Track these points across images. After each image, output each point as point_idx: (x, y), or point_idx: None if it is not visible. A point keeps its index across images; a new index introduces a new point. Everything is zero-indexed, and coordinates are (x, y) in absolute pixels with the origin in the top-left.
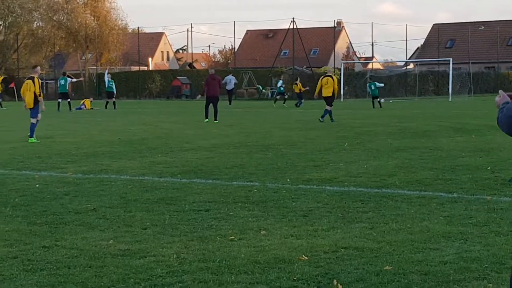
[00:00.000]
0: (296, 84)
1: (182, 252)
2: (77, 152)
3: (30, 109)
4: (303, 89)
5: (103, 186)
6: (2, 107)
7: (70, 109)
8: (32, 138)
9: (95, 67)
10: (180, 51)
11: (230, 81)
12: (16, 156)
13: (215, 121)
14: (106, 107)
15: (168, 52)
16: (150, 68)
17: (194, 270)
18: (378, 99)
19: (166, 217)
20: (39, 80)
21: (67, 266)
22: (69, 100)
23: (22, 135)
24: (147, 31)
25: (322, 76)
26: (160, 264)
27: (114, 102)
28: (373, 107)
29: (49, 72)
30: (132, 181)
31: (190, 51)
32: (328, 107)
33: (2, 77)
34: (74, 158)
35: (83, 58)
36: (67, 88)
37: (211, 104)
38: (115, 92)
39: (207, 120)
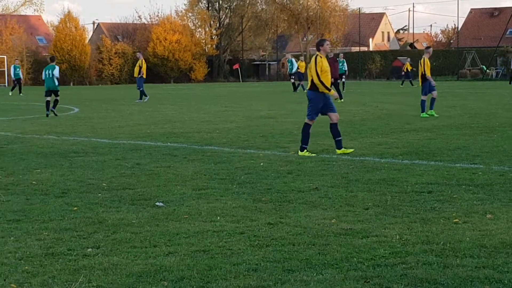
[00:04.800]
0: None
1: (405, 233)
2: (299, 132)
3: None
4: None
5: (324, 166)
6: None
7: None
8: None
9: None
10: (401, 31)
11: (293, 63)
12: (241, 135)
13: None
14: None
15: (388, 32)
16: (371, 49)
17: (418, 252)
18: None
19: (388, 198)
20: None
21: (292, 243)
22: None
23: (245, 115)
24: (367, 12)
25: None
26: (382, 244)
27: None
28: None
29: (272, 53)
30: (353, 161)
31: (411, 31)
32: None
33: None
34: (296, 138)
35: (305, 39)
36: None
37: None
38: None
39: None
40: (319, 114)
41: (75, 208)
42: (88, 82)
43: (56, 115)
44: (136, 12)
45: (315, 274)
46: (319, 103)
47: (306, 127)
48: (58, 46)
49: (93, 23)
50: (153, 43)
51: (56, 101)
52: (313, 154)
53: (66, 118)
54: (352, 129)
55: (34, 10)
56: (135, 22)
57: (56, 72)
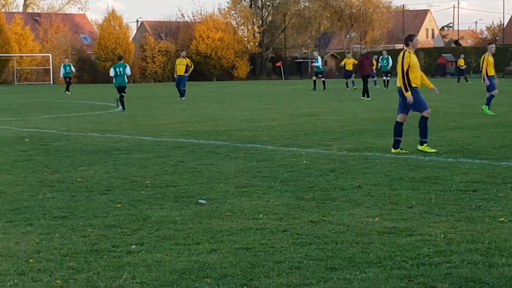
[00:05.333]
0: None
1: (450, 232)
2: (342, 129)
3: None
4: None
5: (367, 164)
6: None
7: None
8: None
9: (359, 46)
10: (446, 28)
11: (318, 60)
12: (283, 133)
13: (362, 98)
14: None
15: (433, 29)
16: None
17: (462, 251)
18: None
19: (432, 196)
20: None
21: (335, 241)
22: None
23: (288, 113)
24: (411, 9)
25: None
26: (426, 243)
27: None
28: None
29: (314, 51)
30: (396, 159)
31: (455, 28)
32: None
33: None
34: (339, 136)
35: (348, 37)
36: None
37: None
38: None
39: (366, 98)
40: (406, 111)
41: (119, 205)
42: (132, 80)
43: (117, 107)
44: (179, 10)
45: (358, 273)
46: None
47: (426, 120)
48: (102, 44)
49: (137, 21)
50: (196, 41)
51: (121, 97)
52: (433, 150)
53: (110, 116)
54: None
55: (79, 8)
56: (178, 20)
57: (128, 70)
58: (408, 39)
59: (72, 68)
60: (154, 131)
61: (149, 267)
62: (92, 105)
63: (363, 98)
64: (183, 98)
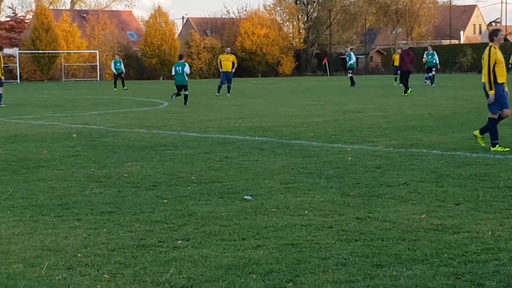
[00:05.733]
0: None
1: (497, 229)
2: (387, 126)
3: None
4: None
5: (414, 160)
6: None
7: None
8: None
9: (405, 42)
10: (493, 23)
11: (351, 57)
12: (328, 130)
13: (404, 94)
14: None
15: (480, 25)
16: (462, 42)
17: (510, 248)
18: None
19: (480, 193)
20: None
21: (381, 238)
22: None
23: (333, 109)
24: (458, 4)
25: None
26: (474, 240)
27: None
28: None
29: (360, 47)
30: (443, 156)
31: (503, 23)
32: None
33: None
34: (384, 132)
35: (393, 32)
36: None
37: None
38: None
39: (406, 94)
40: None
41: (166, 201)
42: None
43: (171, 99)
44: (225, 6)
45: (404, 270)
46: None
47: (493, 122)
48: (148, 41)
49: (183, 18)
50: (241, 38)
51: (186, 96)
52: (507, 149)
53: (156, 112)
54: (442, 123)
55: (125, 5)
56: (223, 16)
57: (187, 69)
58: (493, 34)
59: (122, 65)
60: (200, 127)
61: (195, 262)
62: (138, 101)
63: (405, 94)
64: (228, 95)
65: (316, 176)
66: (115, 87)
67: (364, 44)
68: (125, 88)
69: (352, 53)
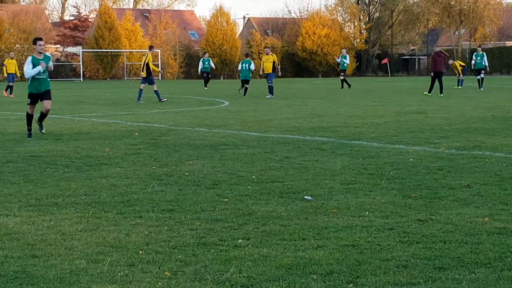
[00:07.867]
0: None
1: None
2: (450, 127)
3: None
4: None
5: (477, 163)
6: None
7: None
8: None
9: (468, 43)
10: None
11: (347, 58)
12: (389, 131)
13: (440, 94)
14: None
15: None
16: None
17: None
18: None
19: None
20: None
21: (443, 241)
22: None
23: (394, 110)
24: None
25: None
26: None
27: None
28: None
29: (422, 48)
30: (507, 159)
31: None
32: None
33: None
34: (447, 134)
35: (457, 33)
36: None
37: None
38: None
39: (429, 93)
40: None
41: (226, 200)
42: (238, 76)
43: (238, 92)
44: (286, 6)
45: (467, 273)
46: None
47: None
48: (209, 41)
49: (244, 17)
50: (302, 38)
51: (246, 89)
52: None
53: (217, 111)
54: (505, 126)
55: (187, 5)
56: (284, 16)
57: (252, 66)
58: None
59: (211, 63)
60: (260, 127)
61: (255, 261)
62: (199, 100)
63: (441, 95)
64: (272, 96)
65: (377, 177)
66: (205, 85)
67: (426, 45)
68: (206, 88)
69: (347, 55)
